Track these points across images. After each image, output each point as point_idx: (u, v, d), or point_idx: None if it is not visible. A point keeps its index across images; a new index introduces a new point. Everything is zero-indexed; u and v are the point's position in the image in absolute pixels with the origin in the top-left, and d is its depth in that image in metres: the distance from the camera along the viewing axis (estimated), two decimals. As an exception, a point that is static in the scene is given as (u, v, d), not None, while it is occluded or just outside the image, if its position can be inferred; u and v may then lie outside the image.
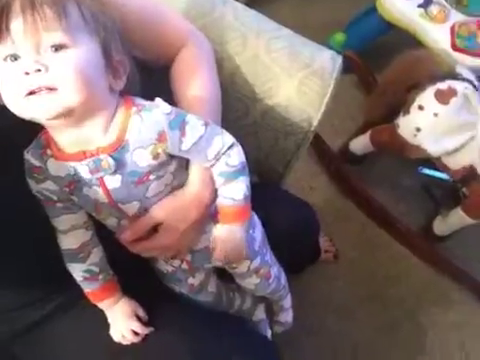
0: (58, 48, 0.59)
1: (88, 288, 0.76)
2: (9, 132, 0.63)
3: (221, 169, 0.69)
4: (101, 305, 0.77)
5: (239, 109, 0.97)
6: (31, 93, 0.58)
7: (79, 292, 0.76)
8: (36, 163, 0.66)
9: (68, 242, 0.73)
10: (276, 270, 0.91)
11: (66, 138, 0.64)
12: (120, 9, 0.71)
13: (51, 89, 0.58)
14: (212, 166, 0.69)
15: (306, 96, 0.95)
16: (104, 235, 0.75)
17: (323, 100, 0.95)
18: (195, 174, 0.71)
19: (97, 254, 0.75)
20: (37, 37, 0.58)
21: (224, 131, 0.69)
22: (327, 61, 0.96)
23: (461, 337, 1.46)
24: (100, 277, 0.76)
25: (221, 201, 0.71)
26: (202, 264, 0.82)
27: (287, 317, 1.04)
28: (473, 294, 1.53)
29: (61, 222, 0.72)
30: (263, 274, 0.87)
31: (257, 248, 0.83)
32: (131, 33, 0.72)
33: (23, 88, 0.58)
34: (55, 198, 0.69)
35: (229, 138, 0.69)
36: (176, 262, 0.81)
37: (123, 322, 0.77)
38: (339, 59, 0.97)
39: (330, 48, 1.76)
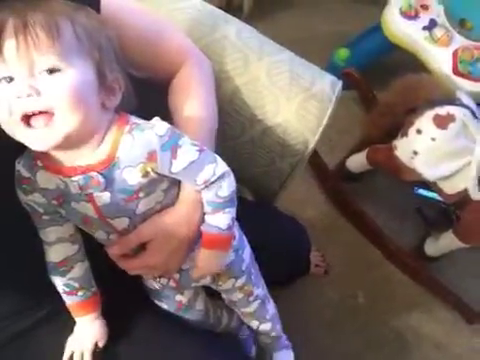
0: (53, 71, 0.58)
1: (68, 301, 0.77)
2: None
3: (210, 198, 0.69)
4: (77, 320, 0.78)
5: (236, 128, 0.97)
6: (27, 118, 0.58)
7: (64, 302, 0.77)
8: (25, 174, 0.66)
9: (52, 255, 0.73)
10: (262, 292, 0.91)
11: (57, 154, 0.64)
12: (119, 26, 0.71)
13: (45, 113, 0.58)
14: (201, 191, 0.69)
15: (304, 119, 0.95)
16: (92, 247, 0.75)
17: (321, 124, 0.96)
18: (186, 194, 0.71)
19: (80, 269, 0.75)
20: (30, 60, 0.57)
21: (218, 159, 0.69)
22: (327, 86, 0.97)
23: (447, 356, 1.47)
24: (79, 293, 0.76)
25: (206, 228, 0.72)
26: (189, 283, 0.82)
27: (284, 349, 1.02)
28: (461, 314, 1.53)
29: (47, 234, 0.72)
30: (246, 291, 0.87)
31: (244, 268, 0.84)
32: (130, 50, 0.72)
33: (18, 111, 0.58)
34: (41, 211, 0.69)
35: (222, 168, 0.68)
36: (163, 280, 0.81)
37: (81, 343, 0.77)
38: (339, 84, 0.98)
39: (333, 63, 1.80)
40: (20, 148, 0.64)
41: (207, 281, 0.82)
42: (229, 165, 0.69)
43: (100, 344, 0.78)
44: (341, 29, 1.94)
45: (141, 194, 0.67)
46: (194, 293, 0.88)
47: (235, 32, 0.96)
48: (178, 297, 0.85)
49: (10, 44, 0.57)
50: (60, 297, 0.76)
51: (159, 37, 0.81)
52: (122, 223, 0.69)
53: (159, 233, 0.71)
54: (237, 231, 0.82)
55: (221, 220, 0.70)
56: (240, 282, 0.85)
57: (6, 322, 0.80)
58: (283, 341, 1.01)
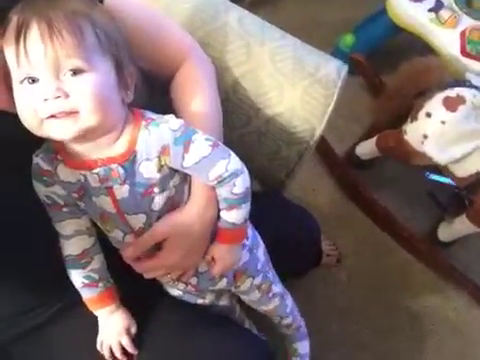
0: (77, 72, 0.60)
1: (86, 295, 0.77)
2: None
3: (226, 196, 0.70)
4: (98, 313, 0.78)
5: (242, 117, 0.96)
6: (51, 116, 0.59)
7: (78, 298, 0.77)
8: (46, 167, 0.67)
9: (71, 248, 0.74)
10: (280, 288, 0.92)
11: (77, 147, 0.65)
12: (118, 17, 0.71)
13: (70, 113, 0.60)
14: (215, 187, 0.70)
15: (309, 105, 0.94)
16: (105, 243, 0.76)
17: (326, 110, 0.95)
18: (199, 191, 0.72)
19: (98, 261, 0.76)
20: (57, 63, 0.59)
21: (232, 156, 0.69)
22: (332, 70, 0.95)
23: (462, 343, 1.46)
24: (100, 284, 0.76)
25: (222, 224, 0.73)
26: (207, 286, 0.83)
27: (304, 348, 1.03)
28: (476, 299, 1.52)
29: (65, 227, 0.72)
30: (264, 289, 0.88)
31: (260, 267, 0.85)
32: (131, 46, 0.71)
33: (43, 112, 0.59)
34: (62, 202, 0.70)
35: (235, 164, 0.69)
36: (181, 285, 0.81)
37: (114, 334, 0.78)
38: (345, 69, 0.96)
39: (338, 49, 1.78)
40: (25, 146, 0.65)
41: (224, 284, 0.83)
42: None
43: (133, 330, 0.79)
44: (346, 15, 1.91)
45: (156, 189, 0.68)
46: (216, 295, 0.88)
47: (237, 19, 0.95)
48: (200, 301, 0.87)
49: (37, 46, 0.58)
50: (72, 293, 0.76)
51: (159, 31, 0.81)
52: (139, 220, 0.70)
53: (173, 231, 0.72)
54: (250, 230, 0.82)
55: (237, 216, 0.72)
56: (257, 281, 0.86)
57: (21, 318, 0.81)
58: (302, 331, 1.02)
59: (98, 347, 0.78)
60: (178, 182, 0.70)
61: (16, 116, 0.62)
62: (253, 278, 0.84)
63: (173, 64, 0.81)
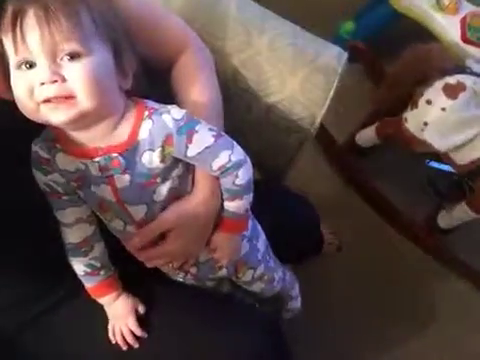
0: (74, 56, 0.60)
1: (89, 283, 0.77)
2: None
3: (228, 186, 0.71)
4: (101, 301, 0.78)
5: (242, 105, 0.96)
6: (47, 100, 0.59)
7: (81, 284, 0.78)
8: (44, 155, 0.67)
9: (72, 236, 0.74)
10: (280, 272, 0.93)
11: (76, 135, 0.65)
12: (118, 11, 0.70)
13: (67, 97, 0.59)
14: (218, 177, 0.71)
15: (310, 93, 0.94)
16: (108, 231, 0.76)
17: (327, 97, 0.94)
18: (203, 181, 0.72)
19: (99, 249, 0.76)
20: (54, 47, 0.59)
21: (235, 146, 0.69)
22: (332, 57, 0.95)
23: (462, 329, 1.47)
24: (101, 272, 0.77)
25: (225, 214, 0.74)
26: (207, 275, 0.83)
27: (296, 304, 1.06)
28: (477, 287, 1.53)
29: (66, 215, 0.72)
30: (267, 279, 0.89)
31: (260, 257, 0.85)
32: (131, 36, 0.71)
33: (39, 96, 0.59)
34: (61, 191, 0.69)
35: (238, 155, 0.69)
36: (181, 274, 0.82)
37: (121, 318, 0.78)
38: (345, 55, 0.96)
39: (339, 36, 1.76)
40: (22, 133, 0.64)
41: (225, 273, 0.83)
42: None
43: (140, 309, 0.79)
44: (346, 2, 1.89)
45: (158, 179, 0.68)
46: (217, 282, 0.88)
47: (237, 7, 0.94)
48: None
49: (34, 31, 0.58)
50: (75, 279, 0.77)
51: (158, 22, 0.80)
52: (140, 211, 0.70)
53: (179, 221, 0.72)
54: (250, 220, 0.82)
55: (239, 206, 0.73)
56: (259, 272, 0.86)
57: (26, 305, 0.81)
58: (290, 279, 1.02)
59: (110, 336, 0.79)
60: (181, 173, 0.70)
61: (14, 104, 0.62)
62: (254, 270, 0.85)
63: (172, 54, 0.81)
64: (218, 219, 0.74)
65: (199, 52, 0.83)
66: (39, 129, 0.66)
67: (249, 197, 0.72)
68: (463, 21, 1.49)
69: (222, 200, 0.73)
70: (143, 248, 0.74)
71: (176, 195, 0.71)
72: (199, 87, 0.79)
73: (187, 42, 0.82)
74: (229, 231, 0.75)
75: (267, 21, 0.95)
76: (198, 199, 0.72)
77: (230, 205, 0.73)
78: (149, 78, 0.70)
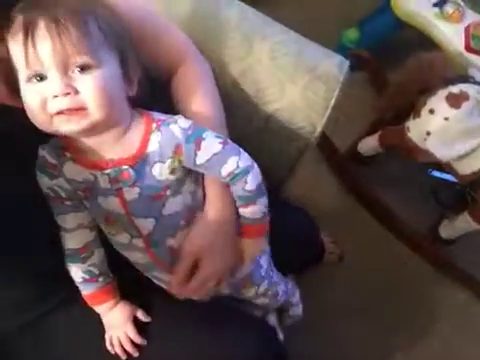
0: (85, 68, 0.60)
1: (86, 290, 0.77)
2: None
3: (240, 193, 0.72)
4: (98, 309, 0.78)
5: (242, 114, 0.96)
6: (60, 112, 0.60)
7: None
8: (52, 160, 0.67)
9: (72, 241, 0.74)
10: (283, 285, 0.93)
11: (86, 143, 0.66)
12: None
13: (79, 109, 0.60)
14: (228, 185, 0.71)
15: (310, 101, 0.93)
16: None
17: (327, 106, 0.94)
18: (212, 192, 0.73)
19: (99, 255, 0.76)
20: (66, 59, 0.60)
21: (242, 153, 0.71)
22: (333, 66, 0.94)
23: (463, 339, 1.46)
24: (100, 279, 0.76)
25: (243, 221, 0.74)
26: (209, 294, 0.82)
27: (297, 311, 1.05)
28: (478, 296, 1.52)
29: (67, 220, 0.72)
30: (271, 294, 0.89)
31: (264, 274, 0.85)
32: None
33: (53, 108, 0.60)
34: (65, 196, 0.70)
35: (245, 161, 0.70)
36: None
37: (119, 327, 0.78)
38: (346, 64, 0.95)
39: (342, 45, 1.76)
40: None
41: (226, 291, 0.84)
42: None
43: (139, 315, 0.79)
44: (349, 10, 1.89)
45: (168, 192, 0.69)
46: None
47: (238, 14, 0.94)
48: None
49: (45, 43, 0.59)
50: (73, 285, 0.76)
51: (157, 32, 0.80)
52: (148, 225, 0.70)
53: (202, 245, 0.73)
54: None
55: (255, 211, 0.73)
56: (262, 288, 0.86)
57: (26, 306, 0.81)
58: (291, 289, 1.02)
59: (108, 346, 0.78)
60: (193, 188, 0.71)
61: (15, 110, 0.63)
62: (258, 286, 0.85)
63: (172, 66, 0.82)
64: (238, 227, 0.75)
65: (199, 64, 0.84)
66: (39, 134, 0.66)
67: (263, 200, 0.73)
68: (467, 30, 1.49)
69: (237, 208, 0.74)
70: (185, 286, 0.75)
71: (191, 211, 0.72)
72: (202, 97, 0.79)
73: (187, 55, 0.82)
74: (251, 236, 0.76)
75: (269, 29, 0.94)
76: (209, 215, 0.73)
77: (246, 211, 0.73)
78: (151, 87, 0.71)
